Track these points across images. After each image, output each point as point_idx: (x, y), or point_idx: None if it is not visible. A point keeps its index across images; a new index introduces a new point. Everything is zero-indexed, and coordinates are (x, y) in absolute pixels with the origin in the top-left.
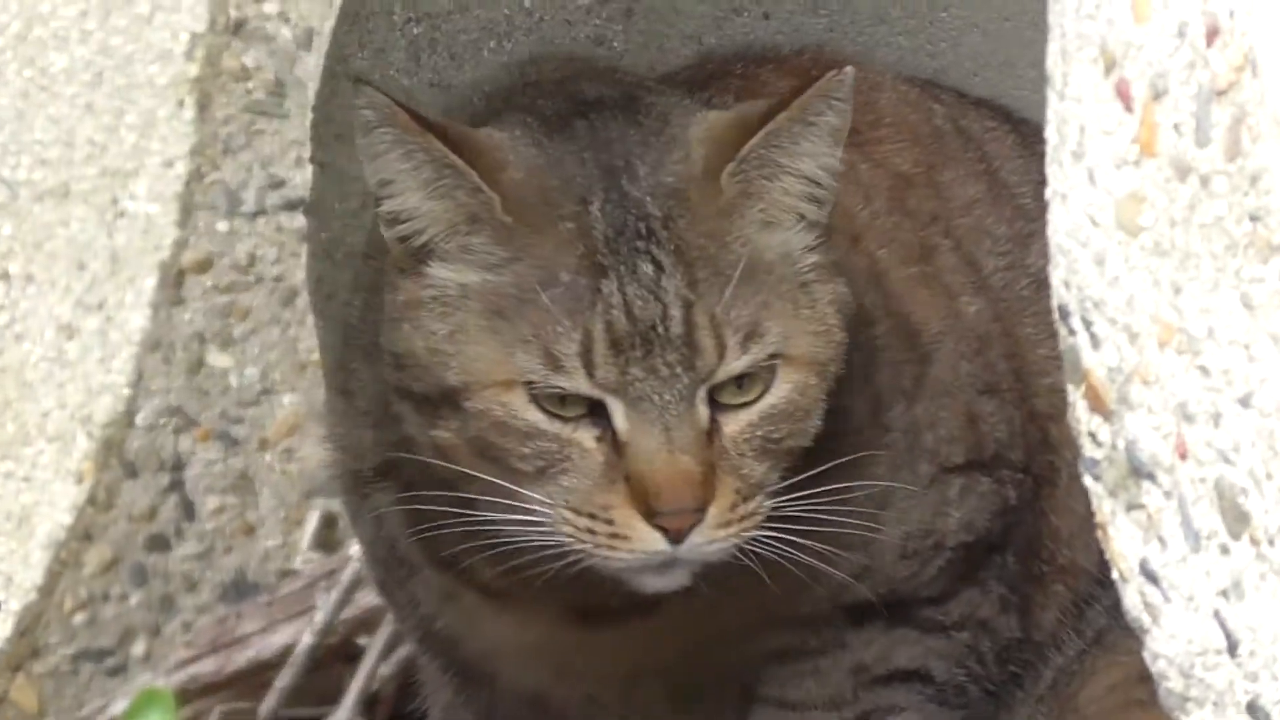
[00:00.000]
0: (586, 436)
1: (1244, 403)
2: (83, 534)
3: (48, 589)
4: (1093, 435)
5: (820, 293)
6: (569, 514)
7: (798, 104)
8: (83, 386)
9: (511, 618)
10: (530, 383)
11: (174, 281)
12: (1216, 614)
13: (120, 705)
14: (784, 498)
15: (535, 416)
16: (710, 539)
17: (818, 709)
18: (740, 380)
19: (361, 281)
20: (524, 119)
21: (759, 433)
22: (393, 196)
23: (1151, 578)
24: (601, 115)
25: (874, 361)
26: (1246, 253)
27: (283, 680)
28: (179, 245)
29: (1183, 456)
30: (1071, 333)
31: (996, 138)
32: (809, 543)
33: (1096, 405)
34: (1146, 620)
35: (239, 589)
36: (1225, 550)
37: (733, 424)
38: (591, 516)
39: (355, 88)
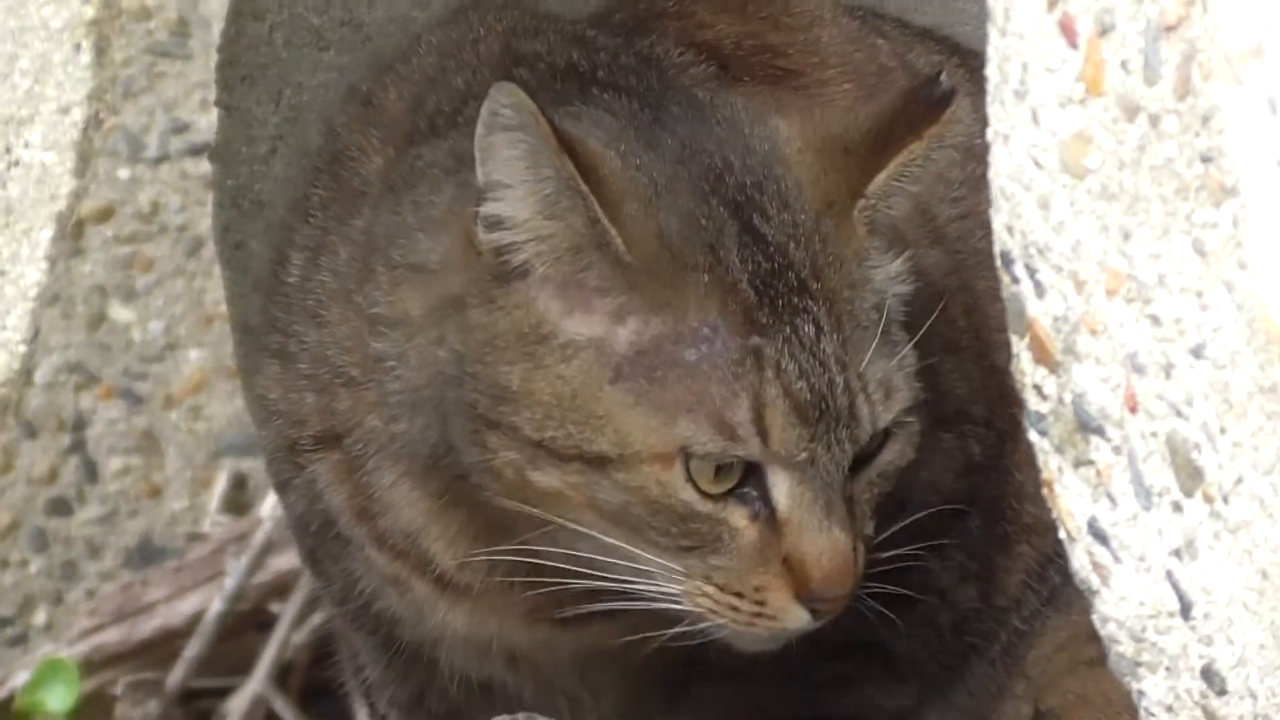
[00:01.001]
0: (738, 515)
1: (1196, 353)
2: None
3: None
4: (1038, 388)
5: (903, 313)
6: (712, 590)
7: (933, 134)
8: None
9: (466, 611)
10: (695, 455)
11: (73, 232)
12: (1169, 575)
13: (21, 677)
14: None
15: (691, 496)
16: (843, 607)
17: (765, 679)
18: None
19: (303, 242)
20: (618, 127)
21: (876, 490)
22: (502, 201)
23: (1100, 537)
24: (679, 122)
25: None
26: (1198, 196)
27: (192, 649)
28: (77, 195)
29: (1133, 410)
30: (1015, 280)
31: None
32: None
33: (1042, 357)
34: (1095, 581)
35: (145, 554)
36: (1178, 508)
37: (856, 485)
38: (739, 595)
39: (500, 85)
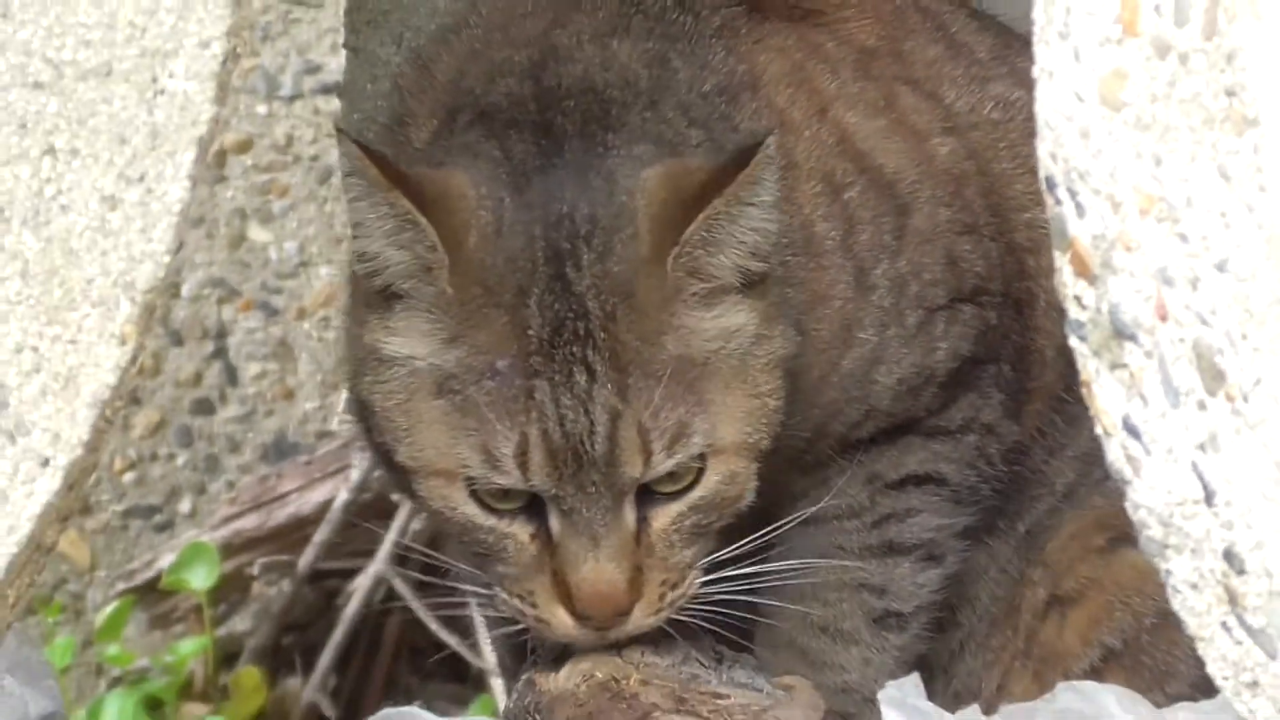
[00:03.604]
0: (522, 531)
1: (1220, 267)
2: (131, 398)
3: (93, 445)
4: (1078, 299)
5: (758, 359)
6: (505, 595)
7: (730, 191)
8: (125, 255)
9: None
10: (464, 477)
11: (216, 162)
12: (1194, 466)
13: (167, 559)
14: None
15: (472, 510)
16: (638, 626)
17: (836, 519)
18: (669, 473)
19: None
20: (494, 162)
21: (687, 522)
22: (359, 239)
23: (1133, 432)
24: (560, 169)
25: (852, 228)
26: (1223, 126)
27: (320, 535)
28: (216, 122)
29: (1163, 318)
30: (1058, 202)
31: (950, 12)
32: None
33: (1081, 270)
34: (1128, 472)
35: (279, 449)
36: (1203, 406)
37: (662, 517)
38: (521, 599)
39: (339, 138)
